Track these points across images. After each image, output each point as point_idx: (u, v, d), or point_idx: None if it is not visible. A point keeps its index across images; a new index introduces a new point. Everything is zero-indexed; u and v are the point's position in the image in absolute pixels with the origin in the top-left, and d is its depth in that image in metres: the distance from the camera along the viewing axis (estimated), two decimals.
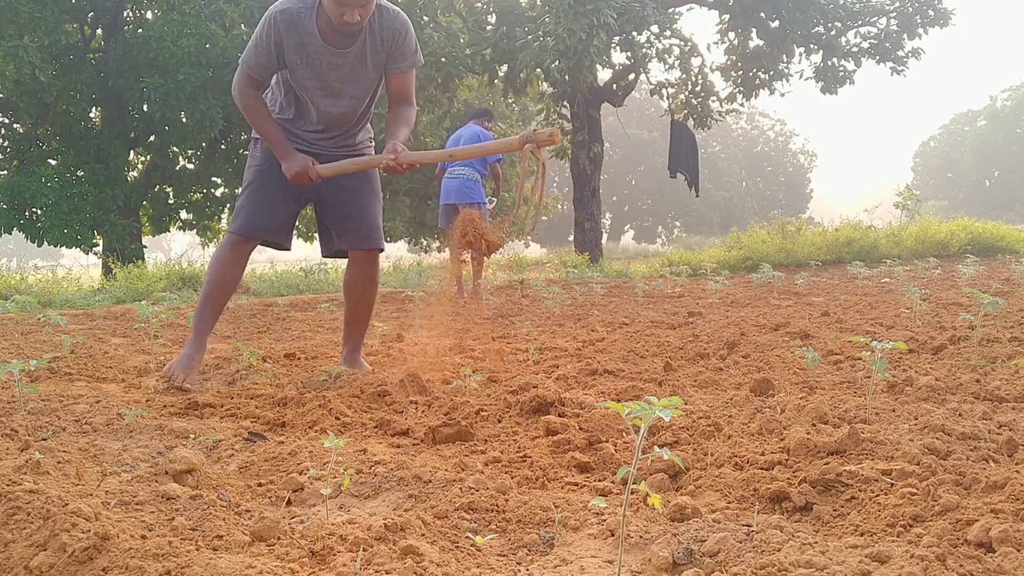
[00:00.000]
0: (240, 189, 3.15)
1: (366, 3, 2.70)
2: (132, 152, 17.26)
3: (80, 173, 15.59)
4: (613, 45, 12.95)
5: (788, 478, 1.70)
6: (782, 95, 16.38)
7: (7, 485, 1.41)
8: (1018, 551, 1.24)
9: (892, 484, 1.60)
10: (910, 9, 13.76)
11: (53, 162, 16.20)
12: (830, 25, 13.85)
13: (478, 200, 7.34)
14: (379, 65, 2.96)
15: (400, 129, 3.00)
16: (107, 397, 2.69)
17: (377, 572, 1.28)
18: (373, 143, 3.29)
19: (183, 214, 17.15)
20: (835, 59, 14.23)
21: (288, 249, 3.25)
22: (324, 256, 3.37)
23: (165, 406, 2.60)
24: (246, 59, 2.89)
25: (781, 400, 2.41)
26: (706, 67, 14.72)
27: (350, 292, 3.27)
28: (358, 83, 2.96)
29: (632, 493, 1.65)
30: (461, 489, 1.69)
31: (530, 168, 2.97)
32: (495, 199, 8.27)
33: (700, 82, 14.71)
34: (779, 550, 1.33)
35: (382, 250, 3.25)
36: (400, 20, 2.92)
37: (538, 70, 13.13)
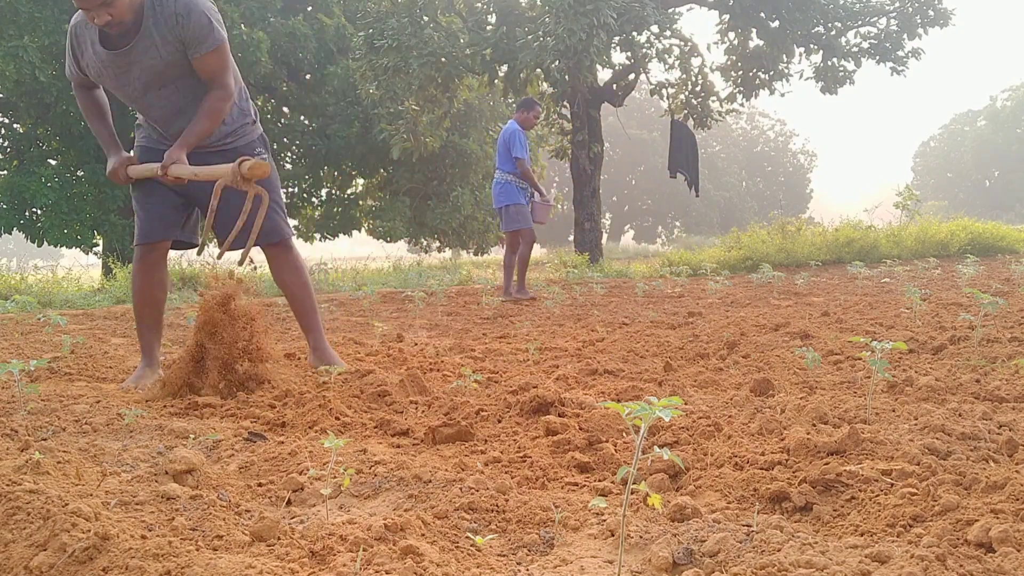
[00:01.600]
0: None
1: (110, 2, 2.55)
2: (132, 152, 17.25)
3: (80, 173, 15.60)
4: (613, 45, 12.94)
5: (788, 478, 1.70)
6: (782, 95, 16.39)
7: (7, 485, 1.41)
8: (1018, 551, 1.24)
9: (892, 484, 1.60)
10: (910, 9, 13.75)
11: (53, 162, 16.21)
12: (830, 25, 13.84)
13: (509, 202, 7.00)
14: (175, 56, 2.78)
15: (198, 123, 2.81)
16: (107, 397, 2.69)
17: (377, 572, 1.28)
18: (251, 130, 3.14)
19: None
20: (835, 59, 14.22)
21: (196, 244, 3.21)
22: (223, 252, 3.34)
23: (165, 406, 2.60)
24: (67, 70, 2.92)
25: (781, 400, 2.41)
26: (706, 67, 14.71)
27: (282, 285, 3.26)
28: (162, 76, 2.81)
29: (632, 493, 1.65)
30: (461, 489, 1.69)
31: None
32: (549, 198, 7.63)
33: (700, 82, 14.70)
34: (779, 550, 1.33)
35: (286, 238, 3.20)
36: (180, 3, 2.69)
37: (538, 70, 13.12)
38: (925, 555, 1.23)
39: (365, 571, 1.28)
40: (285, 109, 18.58)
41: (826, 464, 1.73)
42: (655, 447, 1.63)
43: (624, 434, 2.15)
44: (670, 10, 13.56)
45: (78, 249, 15.28)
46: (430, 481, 1.75)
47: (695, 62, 14.47)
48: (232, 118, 3.04)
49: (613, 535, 1.50)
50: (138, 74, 2.79)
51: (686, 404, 2.44)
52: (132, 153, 3.06)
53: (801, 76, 14.85)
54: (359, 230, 20.08)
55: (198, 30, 2.73)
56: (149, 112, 2.92)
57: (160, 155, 2.93)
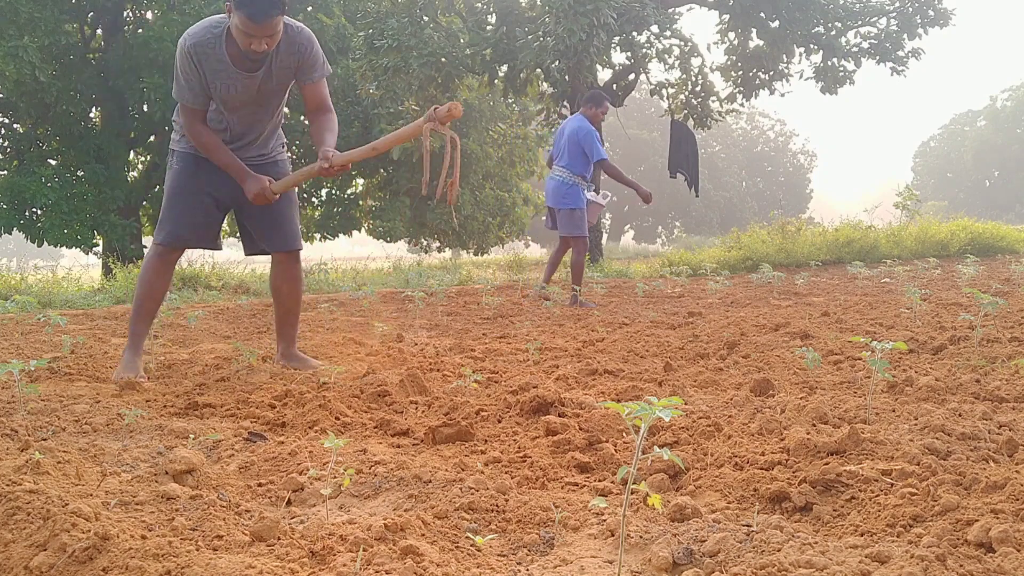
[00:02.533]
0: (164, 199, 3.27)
1: (274, 33, 2.82)
2: (132, 152, 17.27)
3: (80, 173, 15.60)
4: (613, 45, 12.94)
5: (788, 478, 1.70)
6: (782, 95, 16.38)
7: (7, 485, 1.41)
8: (1018, 551, 1.24)
9: (892, 484, 1.60)
10: (910, 9, 13.75)
11: (53, 162, 16.21)
12: (830, 25, 13.85)
13: (573, 206, 6.46)
14: (284, 80, 3.11)
15: (327, 136, 3.14)
16: (107, 397, 2.69)
17: (377, 572, 1.28)
18: (285, 147, 3.48)
19: None
20: (835, 59, 14.22)
21: (219, 249, 3.47)
22: (247, 255, 3.56)
23: (165, 406, 2.60)
24: (183, 97, 3.00)
25: (781, 400, 2.41)
26: (706, 67, 14.72)
27: (277, 291, 3.45)
28: (267, 101, 3.12)
29: (632, 493, 1.65)
30: (461, 489, 1.69)
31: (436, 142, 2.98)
32: (607, 194, 7.06)
33: (700, 82, 14.71)
34: (779, 550, 1.33)
35: (300, 249, 3.45)
36: (304, 35, 3.04)
37: (538, 70, 13.13)
38: (925, 555, 1.23)
39: (365, 571, 1.28)
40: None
41: (826, 464, 1.73)
42: (655, 447, 1.63)
43: (624, 434, 2.15)
44: (670, 10, 13.56)
45: (78, 249, 15.29)
46: (430, 481, 1.75)
47: (695, 62, 14.48)
48: (277, 137, 3.38)
49: (613, 535, 1.50)
50: (252, 95, 3.06)
51: (686, 404, 2.44)
52: (173, 160, 3.24)
53: (801, 76, 14.86)
54: (359, 230, 20.08)
55: (314, 60, 3.10)
56: (234, 123, 3.13)
57: (207, 165, 3.14)
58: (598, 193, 6.84)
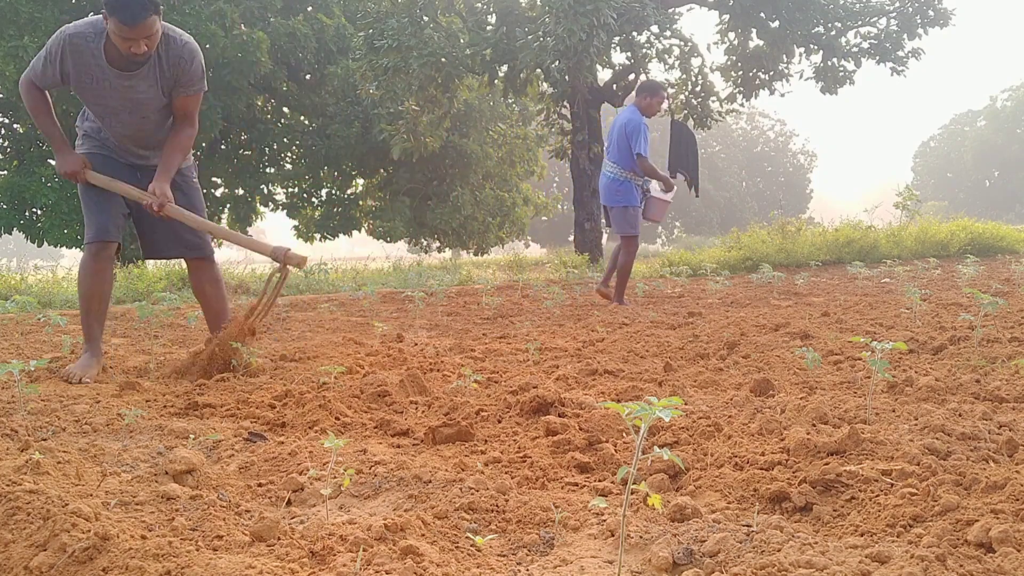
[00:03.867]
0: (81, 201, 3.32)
1: (151, 35, 2.86)
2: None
3: None
4: (613, 45, 12.95)
5: (788, 478, 1.70)
6: (782, 95, 16.39)
7: (7, 485, 1.41)
8: (1018, 551, 1.24)
9: (892, 484, 1.60)
10: (910, 9, 13.76)
11: (53, 162, 16.20)
12: (830, 25, 13.85)
13: (626, 203, 6.16)
14: (167, 89, 3.13)
15: (174, 157, 3.18)
16: (107, 397, 2.69)
17: (377, 572, 1.28)
18: (189, 156, 3.46)
19: None
20: (835, 59, 14.23)
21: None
22: (145, 258, 3.60)
23: (165, 406, 2.60)
24: (33, 67, 3.06)
25: (781, 400, 2.41)
26: (706, 67, 14.73)
27: (201, 294, 3.53)
28: (148, 105, 3.12)
29: (632, 493, 1.65)
30: (461, 489, 1.69)
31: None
32: (669, 195, 6.61)
33: (700, 82, 14.73)
34: (779, 550, 1.33)
35: (211, 253, 3.48)
36: (187, 49, 3.08)
37: (538, 70, 13.14)
38: (925, 555, 1.23)
39: (365, 571, 1.28)
40: (285, 109, 18.58)
41: (826, 464, 1.73)
42: (655, 447, 1.63)
43: (624, 434, 2.15)
44: (670, 10, 13.57)
45: (78, 249, 15.28)
46: (430, 481, 1.75)
47: (695, 62, 14.50)
48: None
49: (613, 535, 1.50)
50: (130, 95, 3.07)
51: (686, 404, 2.44)
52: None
53: (801, 76, 14.87)
54: (359, 230, 20.07)
55: (193, 75, 3.13)
56: (116, 127, 3.17)
57: (114, 164, 3.23)
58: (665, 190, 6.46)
